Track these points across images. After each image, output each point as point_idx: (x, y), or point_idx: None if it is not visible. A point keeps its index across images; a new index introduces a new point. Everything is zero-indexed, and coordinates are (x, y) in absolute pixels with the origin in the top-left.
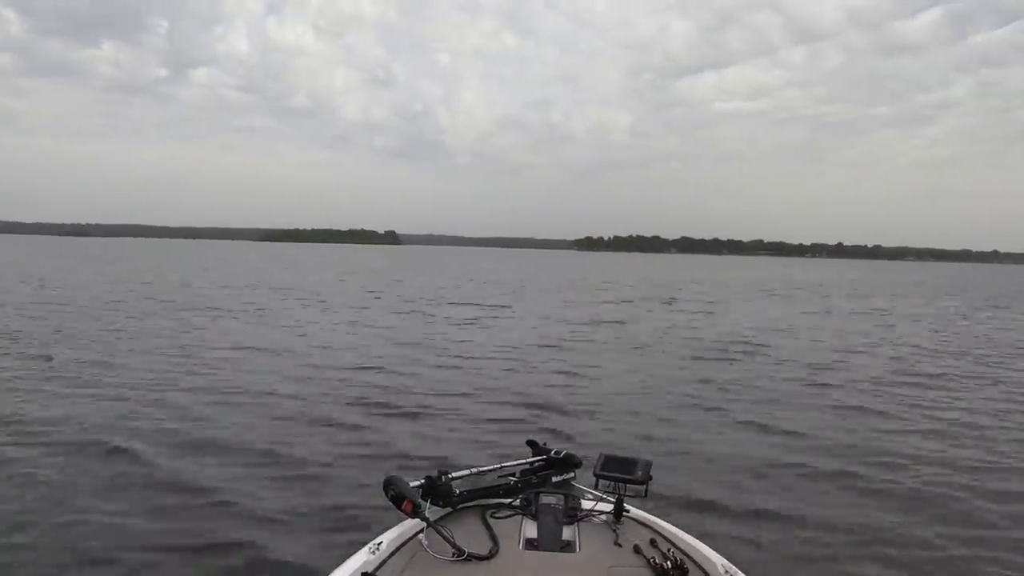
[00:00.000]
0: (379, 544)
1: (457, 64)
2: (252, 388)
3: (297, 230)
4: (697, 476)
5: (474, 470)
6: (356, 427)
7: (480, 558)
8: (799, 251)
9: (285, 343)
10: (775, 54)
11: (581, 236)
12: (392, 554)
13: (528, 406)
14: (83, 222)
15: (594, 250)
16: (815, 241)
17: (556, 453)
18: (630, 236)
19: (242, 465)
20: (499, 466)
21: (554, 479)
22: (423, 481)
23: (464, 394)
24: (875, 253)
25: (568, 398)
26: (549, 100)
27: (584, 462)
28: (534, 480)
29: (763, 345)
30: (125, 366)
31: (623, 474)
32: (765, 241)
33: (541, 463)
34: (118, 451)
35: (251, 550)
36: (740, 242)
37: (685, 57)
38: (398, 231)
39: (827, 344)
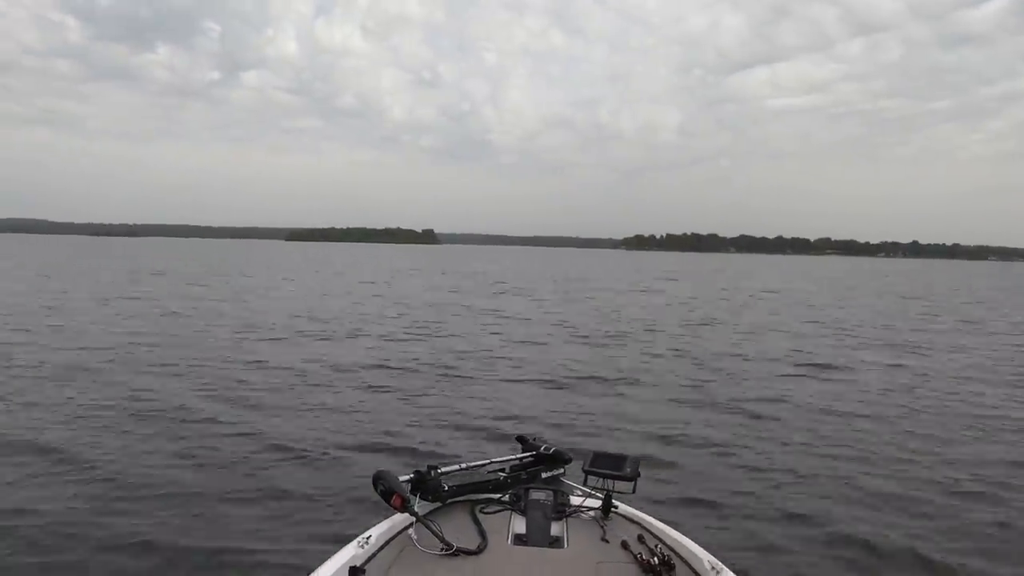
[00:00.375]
0: (367, 538)
1: (504, 63)
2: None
3: (331, 228)
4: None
5: (464, 465)
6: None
7: (469, 553)
8: (869, 250)
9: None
10: (831, 48)
11: (629, 235)
12: (381, 548)
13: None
14: (132, 222)
15: (644, 249)
16: (884, 239)
17: (546, 449)
18: (684, 235)
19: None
20: (488, 461)
21: (543, 475)
22: (412, 476)
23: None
24: (954, 252)
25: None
26: (597, 99)
27: (573, 458)
28: (523, 476)
29: None
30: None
31: (612, 470)
32: (833, 239)
33: (531, 459)
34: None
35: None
36: (806, 240)
37: (737, 53)
38: (438, 230)
39: None
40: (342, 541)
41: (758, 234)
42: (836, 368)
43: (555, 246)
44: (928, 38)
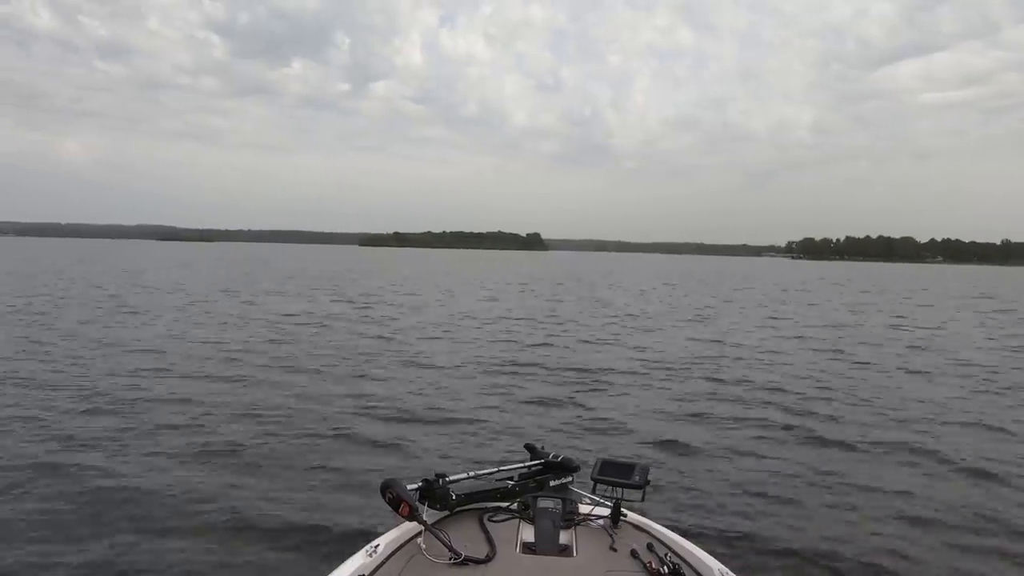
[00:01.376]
0: (376, 547)
1: (628, 65)
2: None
3: (428, 233)
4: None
5: (472, 474)
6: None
7: (477, 561)
8: None
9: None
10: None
11: (763, 242)
12: (389, 557)
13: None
14: (265, 229)
15: (819, 257)
16: None
17: (554, 457)
18: (868, 237)
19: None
20: (497, 470)
21: (552, 483)
22: (421, 484)
23: None
24: None
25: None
26: (725, 98)
27: (582, 466)
28: (532, 484)
29: None
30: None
31: (620, 479)
32: None
33: (539, 467)
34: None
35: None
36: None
37: (884, 43)
38: (550, 236)
39: None
40: (350, 550)
41: (951, 235)
42: None
43: (678, 252)
44: None
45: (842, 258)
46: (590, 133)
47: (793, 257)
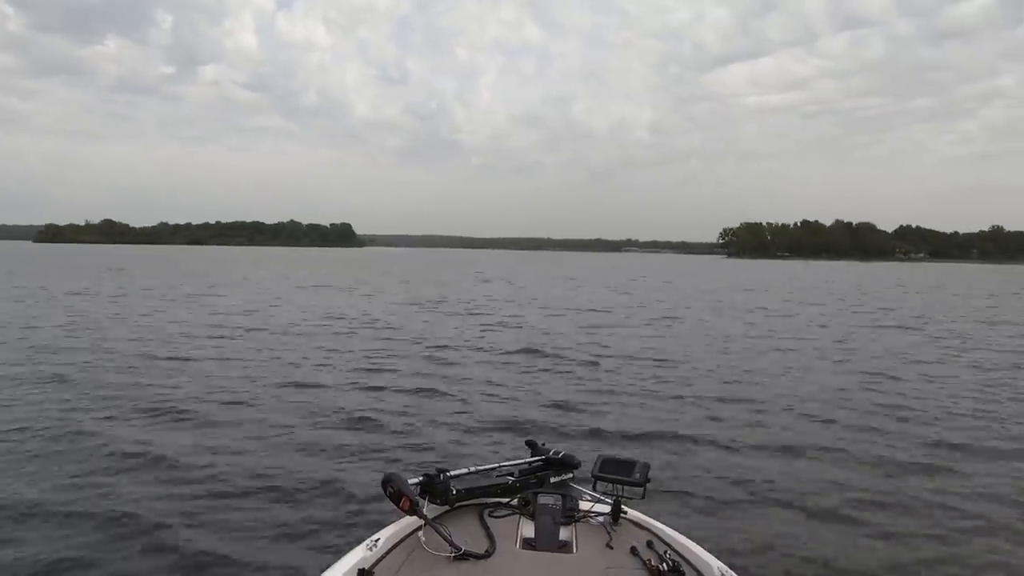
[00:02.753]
0: (376, 541)
1: (475, 58)
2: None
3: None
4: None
5: (473, 469)
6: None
7: (477, 557)
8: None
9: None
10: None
11: (620, 236)
12: (389, 551)
13: None
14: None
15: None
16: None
17: (555, 453)
18: (818, 224)
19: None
20: (498, 465)
21: (552, 479)
22: (422, 479)
23: None
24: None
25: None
26: (569, 96)
27: (583, 463)
28: (532, 480)
29: None
30: None
31: (621, 476)
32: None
33: (540, 463)
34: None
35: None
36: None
37: (717, 48)
38: (376, 231)
39: None
40: (351, 544)
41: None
42: None
43: (527, 248)
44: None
45: (790, 256)
46: (437, 127)
47: (728, 255)
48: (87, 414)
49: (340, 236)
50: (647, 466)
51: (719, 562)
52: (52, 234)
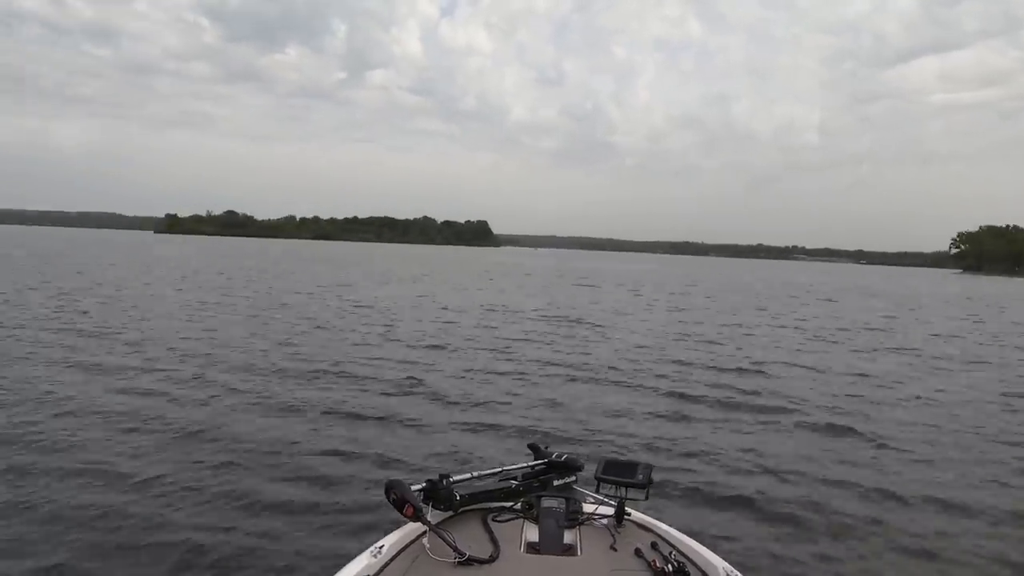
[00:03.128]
0: (380, 548)
1: (634, 57)
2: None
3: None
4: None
5: (475, 474)
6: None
7: (482, 561)
8: None
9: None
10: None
11: (777, 242)
12: (393, 558)
13: None
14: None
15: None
16: None
17: (557, 457)
18: None
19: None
20: (500, 469)
21: (555, 483)
22: (424, 485)
23: None
24: None
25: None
26: (730, 95)
27: (585, 466)
28: (535, 484)
29: None
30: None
31: (624, 478)
32: None
33: (542, 467)
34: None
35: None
36: None
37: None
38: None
39: None
40: (355, 551)
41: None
42: None
43: (680, 253)
44: None
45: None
46: (592, 129)
47: (965, 268)
48: None
49: (476, 234)
50: (650, 467)
51: (725, 562)
52: (170, 225)
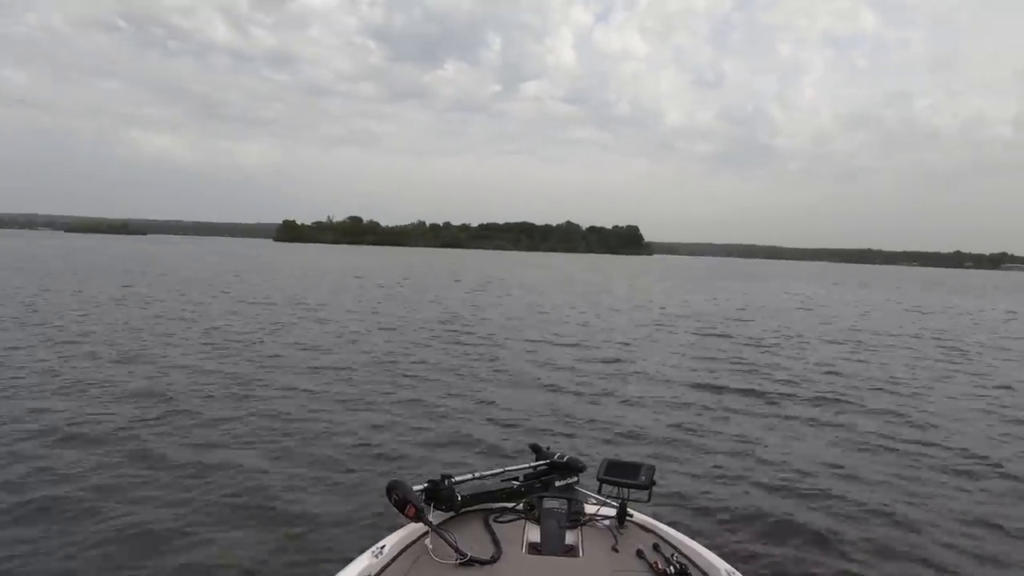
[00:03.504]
0: (382, 548)
1: (800, 55)
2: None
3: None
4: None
5: (477, 474)
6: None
7: (483, 562)
8: None
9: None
10: None
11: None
12: (395, 558)
13: None
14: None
15: None
16: None
17: (560, 457)
18: None
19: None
20: (502, 470)
21: (557, 483)
22: (426, 485)
23: None
24: None
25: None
26: (909, 92)
27: (587, 467)
28: (537, 485)
29: None
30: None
31: (626, 479)
32: None
33: (544, 467)
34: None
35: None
36: None
37: None
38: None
39: None
40: (357, 551)
41: None
42: None
43: (848, 260)
44: None
45: None
46: (752, 132)
47: None
48: None
49: (624, 241)
50: (652, 469)
51: (727, 564)
52: (289, 232)
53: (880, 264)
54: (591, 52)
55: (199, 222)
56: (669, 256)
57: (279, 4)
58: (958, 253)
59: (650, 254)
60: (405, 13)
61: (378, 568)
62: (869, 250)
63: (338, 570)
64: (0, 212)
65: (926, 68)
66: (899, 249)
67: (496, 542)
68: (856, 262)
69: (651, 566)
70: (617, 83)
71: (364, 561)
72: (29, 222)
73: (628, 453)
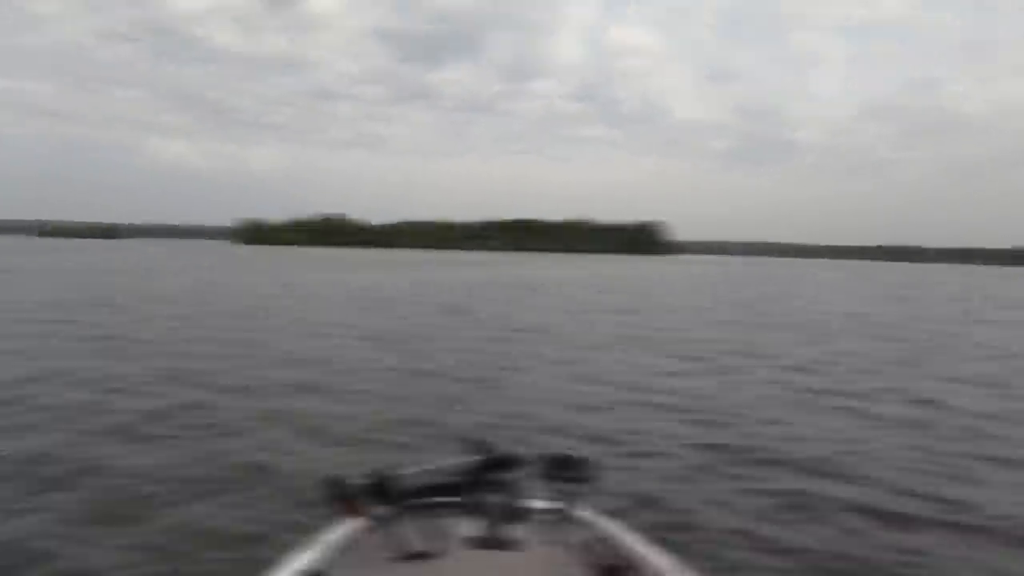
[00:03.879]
0: (321, 544)
1: (817, 45)
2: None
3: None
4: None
5: (419, 469)
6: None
7: (425, 557)
8: None
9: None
10: None
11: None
12: (335, 552)
13: None
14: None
15: None
16: None
17: (502, 452)
18: None
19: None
20: (445, 464)
21: (500, 478)
22: (366, 480)
23: None
24: None
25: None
26: (936, 79)
27: (529, 461)
28: (480, 479)
29: None
30: None
31: (568, 473)
32: None
33: (487, 461)
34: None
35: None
36: None
37: None
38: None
39: None
40: (294, 546)
41: None
42: None
43: (873, 258)
44: None
45: None
46: (767, 126)
47: None
48: None
49: (637, 241)
50: (595, 463)
51: (670, 558)
52: (254, 233)
53: (929, 263)
54: (600, 48)
55: (203, 226)
56: (692, 256)
57: (289, 5)
58: (1016, 248)
59: (666, 253)
60: (412, 13)
61: (317, 562)
62: (918, 247)
63: (277, 565)
64: (10, 218)
65: (955, 54)
66: (945, 245)
67: (438, 536)
68: (898, 260)
69: (593, 560)
70: (627, 79)
71: (304, 556)
72: (26, 228)
73: (571, 448)
